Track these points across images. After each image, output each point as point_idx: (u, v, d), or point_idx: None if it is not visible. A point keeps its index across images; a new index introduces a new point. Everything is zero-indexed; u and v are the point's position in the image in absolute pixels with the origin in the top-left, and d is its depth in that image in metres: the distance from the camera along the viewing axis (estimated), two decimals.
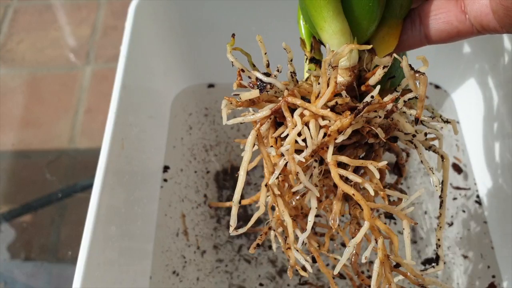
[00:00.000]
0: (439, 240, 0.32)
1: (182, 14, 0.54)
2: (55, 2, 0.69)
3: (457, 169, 0.54)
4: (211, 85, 0.62)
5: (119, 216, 0.44)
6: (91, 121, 0.64)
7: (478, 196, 0.52)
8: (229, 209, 0.52)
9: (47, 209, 0.59)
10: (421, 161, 0.30)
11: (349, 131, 0.27)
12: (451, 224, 0.51)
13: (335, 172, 0.27)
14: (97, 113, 0.65)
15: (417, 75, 0.27)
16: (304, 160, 0.27)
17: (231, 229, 0.30)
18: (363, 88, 0.28)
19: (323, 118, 0.27)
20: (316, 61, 0.30)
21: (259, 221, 0.51)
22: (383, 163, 0.27)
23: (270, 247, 0.50)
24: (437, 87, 0.59)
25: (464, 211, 0.51)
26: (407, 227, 0.28)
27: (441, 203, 0.33)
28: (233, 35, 0.29)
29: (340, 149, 0.30)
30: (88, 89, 0.64)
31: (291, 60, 0.29)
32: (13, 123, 0.64)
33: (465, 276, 0.48)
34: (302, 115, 0.28)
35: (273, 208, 0.32)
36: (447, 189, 0.33)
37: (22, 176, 0.61)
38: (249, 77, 0.29)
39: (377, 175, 0.27)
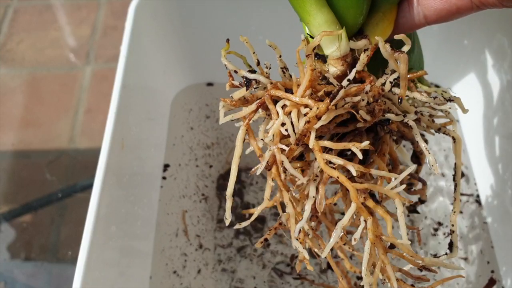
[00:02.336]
0: (453, 225, 0.31)
1: (182, 14, 0.54)
2: (55, 2, 0.69)
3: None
4: (210, 84, 0.62)
5: (119, 216, 0.44)
6: (91, 121, 0.64)
7: (478, 196, 0.52)
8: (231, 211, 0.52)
9: (47, 209, 0.59)
10: (417, 141, 0.30)
11: (331, 116, 0.27)
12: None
13: (319, 157, 0.27)
14: (97, 113, 0.65)
15: (396, 54, 0.27)
16: (286, 148, 0.28)
17: (227, 222, 0.30)
18: (357, 76, 0.29)
19: (306, 106, 0.27)
20: (319, 56, 0.30)
21: (262, 221, 0.51)
22: (365, 143, 0.27)
23: (269, 245, 0.50)
24: (437, 86, 0.59)
25: (464, 211, 0.51)
26: (400, 206, 0.28)
27: (455, 187, 0.32)
28: (228, 40, 0.30)
29: (341, 138, 0.30)
30: (88, 89, 0.64)
31: (280, 56, 0.29)
32: (13, 123, 0.64)
33: (465, 275, 0.48)
34: (285, 106, 0.28)
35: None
36: (459, 177, 0.32)
37: (22, 176, 0.61)
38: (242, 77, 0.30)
39: (360, 156, 0.27)
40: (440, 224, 0.51)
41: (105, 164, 0.41)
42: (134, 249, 0.48)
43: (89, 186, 0.48)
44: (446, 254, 0.31)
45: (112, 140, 0.43)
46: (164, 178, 0.54)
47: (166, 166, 0.55)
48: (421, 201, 0.36)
